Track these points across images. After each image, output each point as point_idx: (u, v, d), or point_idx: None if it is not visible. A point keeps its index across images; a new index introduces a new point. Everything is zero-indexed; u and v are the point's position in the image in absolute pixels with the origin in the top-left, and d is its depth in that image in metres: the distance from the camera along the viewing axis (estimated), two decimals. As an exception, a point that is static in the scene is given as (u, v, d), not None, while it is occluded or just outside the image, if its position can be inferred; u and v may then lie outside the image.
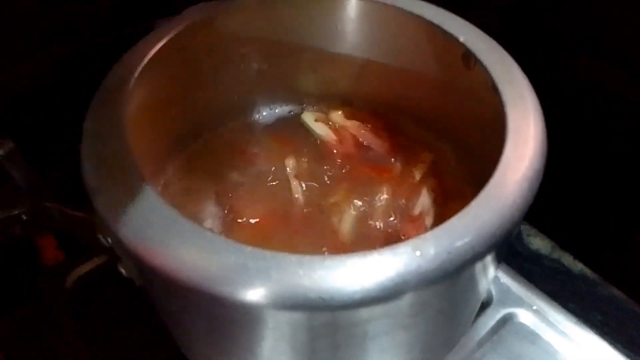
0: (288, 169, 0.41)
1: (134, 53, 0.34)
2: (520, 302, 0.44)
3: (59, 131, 0.33)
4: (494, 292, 0.44)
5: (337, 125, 0.44)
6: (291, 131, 0.44)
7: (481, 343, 0.42)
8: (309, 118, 0.45)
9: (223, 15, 0.38)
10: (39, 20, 0.38)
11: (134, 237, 0.25)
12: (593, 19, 0.42)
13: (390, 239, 0.36)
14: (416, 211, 0.37)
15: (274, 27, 0.40)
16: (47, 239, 0.44)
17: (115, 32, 0.43)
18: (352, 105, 0.45)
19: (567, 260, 0.51)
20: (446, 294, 0.27)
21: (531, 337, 0.42)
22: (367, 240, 0.36)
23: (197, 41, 0.38)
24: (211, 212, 0.39)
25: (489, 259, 0.26)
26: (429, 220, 0.37)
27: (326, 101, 0.45)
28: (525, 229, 0.52)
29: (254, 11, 0.39)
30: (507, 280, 0.45)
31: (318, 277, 0.23)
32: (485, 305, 0.43)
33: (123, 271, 0.29)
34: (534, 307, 0.44)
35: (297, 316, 0.24)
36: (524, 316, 0.43)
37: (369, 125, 0.43)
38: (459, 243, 0.24)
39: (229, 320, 0.27)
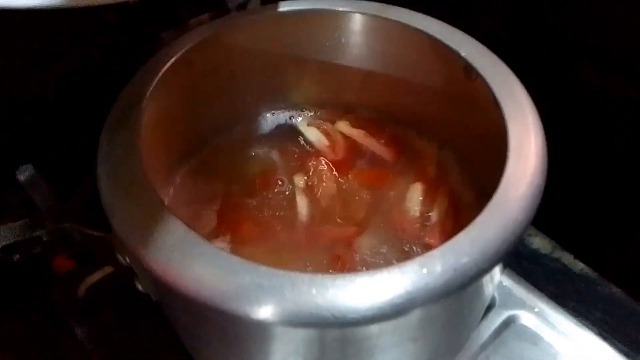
0: (298, 184, 0.42)
1: (144, 72, 0.34)
2: (522, 305, 0.45)
3: (76, 150, 0.34)
4: (496, 295, 0.45)
5: (342, 132, 0.45)
6: (291, 140, 0.45)
7: (484, 346, 0.43)
8: (301, 123, 0.45)
9: (230, 31, 0.39)
10: (44, 38, 0.38)
11: (152, 257, 0.26)
12: (595, 21, 0.42)
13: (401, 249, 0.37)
14: (433, 219, 0.38)
15: (279, 41, 0.41)
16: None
17: (122, 44, 0.43)
18: (353, 114, 0.46)
19: (568, 259, 0.51)
20: (453, 306, 0.28)
21: (533, 339, 0.43)
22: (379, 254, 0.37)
23: (205, 57, 0.38)
24: (215, 224, 0.39)
25: (494, 271, 0.27)
26: (440, 228, 0.38)
27: (329, 111, 0.46)
28: (525, 228, 0.52)
29: (259, 26, 0.40)
30: (509, 283, 0.46)
31: (330, 295, 0.24)
32: (488, 308, 0.44)
33: (140, 287, 0.30)
34: (536, 310, 0.45)
35: (310, 332, 0.25)
36: (526, 318, 0.44)
37: (374, 134, 0.44)
38: (464, 260, 0.25)
39: (242, 335, 0.28)
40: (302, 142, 0.45)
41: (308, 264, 0.36)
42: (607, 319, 0.46)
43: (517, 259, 0.50)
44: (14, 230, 0.29)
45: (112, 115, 0.32)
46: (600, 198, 0.50)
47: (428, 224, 0.38)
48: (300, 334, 0.26)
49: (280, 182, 0.42)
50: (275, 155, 0.44)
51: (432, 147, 0.43)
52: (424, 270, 0.25)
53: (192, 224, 0.38)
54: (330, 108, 0.46)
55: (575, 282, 0.50)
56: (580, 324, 0.44)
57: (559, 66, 0.47)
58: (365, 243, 0.38)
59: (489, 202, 0.27)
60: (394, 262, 0.36)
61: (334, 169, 0.43)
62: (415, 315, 0.25)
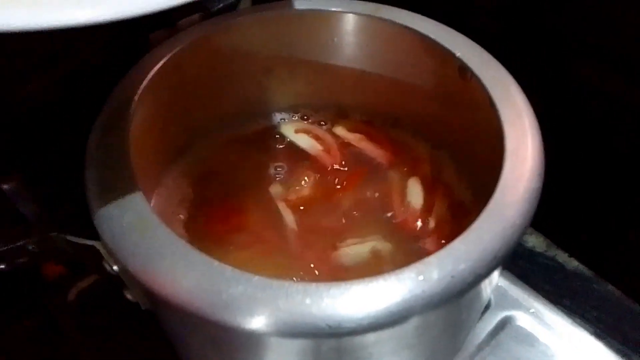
0: (273, 193, 0.41)
1: (132, 75, 0.34)
2: (518, 305, 0.45)
3: (63, 158, 0.33)
4: (492, 296, 0.45)
5: (339, 135, 0.44)
6: (282, 143, 0.44)
7: (480, 347, 0.42)
8: (288, 130, 0.44)
9: (220, 32, 0.38)
10: (29, 45, 0.37)
11: (141, 267, 0.25)
12: (594, 20, 0.42)
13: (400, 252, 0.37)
14: (431, 223, 0.38)
15: (270, 43, 0.41)
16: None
17: (111, 48, 0.43)
18: (348, 117, 0.45)
19: (562, 257, 0.52)
20: (451, 312, 0.27)
21: (529, 340, 0.43)
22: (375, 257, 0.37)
23: (195, 59, 0.38)
24: (202, 229, 0.39)
25: (492, 275, 0.27)
26: (438, 233, 0.38)
27: (322, 113, 0.46)
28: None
29: (250, 27, 0.39)
30: (505, 283, 0.46)
31: (325, 305, 0.23)
32: (484, 309, 0.44)
33: (129, 296, 0.30)
34: (532, 310, 0.44)
35: (304, 343, 0.25)
36: (522, 319, 0.44)
37: (369, 137, 0.44)
38: (462, 266, 0.24)
39: (235, 346, 0.27)
40: (294, 145, 0.44)
41: (299, 269, 0.36)
42: (602, 317, 0.47)
43: (512, 258, 0.50)
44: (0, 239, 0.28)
45: (100, 120, 0.31)
46: (595, 196, 0.50)
47: (427, 228, 0.38)
48: (295, 344, 0.25)
49: (269, 186, 0.41)
50: (265, 158, 0.43)
51: (426, 149, 0.42)
52: (421, 278, 0.24)
53: (180, 230, 0.37)
54: (324, 110, 0.45)
55: (570, 280, 0.50)
56: (576, 324, 0.44)
57: (556, 66, 0.46)
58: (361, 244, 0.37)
59: (486, 206, 0.26)
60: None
61: (327, 173, 0.42)
62: (412, 323, 0.25)
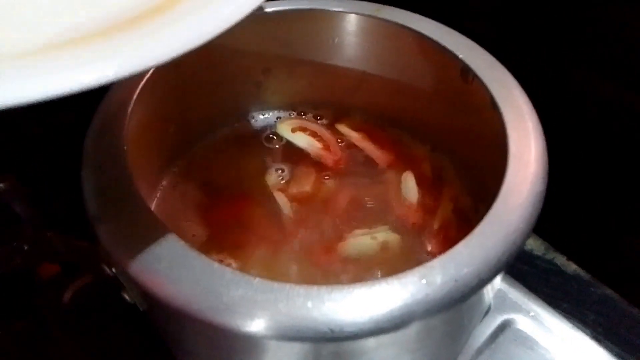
0: (272, 189, 0.40)
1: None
2: (517, 309, 0.44)
3: (58, 157, 0.33)
4: (491, 300, 0.45)
5: (341, 132, 0.44)
6: (281, 142, 0.44)
7: (480, 350, 0.42)
8: (284, 129, 0.44)
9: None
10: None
11: (139, 268, 0.25)
12: (592, 24, 0.42)
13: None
14: (435, 226, 0.38)
15: (271, 41, 0.40)
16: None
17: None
18: (348, 117, 0.45)
19: (561, 260, 0.52)
20: (453, 317, 0.27)
21: (529, 343, 0.43)
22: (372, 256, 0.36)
23: (194, 57, 0.37)
24: (200, 227, 0.38)
25: (495, 280, 0.27)
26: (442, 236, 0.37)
27: (322, 114, 0.45)
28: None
29: (250, 26, 0.38)
30: (504, 286, 0.46)
31: (327, 308, 0.23)
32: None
33: (127, 298, 0.29)
34: (532, 314, 0.44)
35: (305, 346, 0.25)
36: (521, 323, 0.44)
37: (370, 137, 0.43)
38: (465, 270, 0.24)
39: (234, 349, 0.27)
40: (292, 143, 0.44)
41: (302, 268, 0.36)
42: (600, 321, 0.46)
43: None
44: (-6, 240, 0.28)
45: (97, 119, 0.31)
46: (594, 199, 0.50)
47: (431, 228, 0.38)
48: (296, 348, 0.25)
49: (269, 183, 0.41)
50: (264, 157, 0.43)
51: (427, 151, 0.42)
52: (424, 282, 0.24)
53: (179, 231, 0.37)
54: (324, 110, 0.45)
55: (568, 283, 0.50)
56: (575, 327, 0.44)
57: (553, 69, 0.46)
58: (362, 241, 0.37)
59: (490, 211, 0.26)
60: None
61: (327, 169, 0.42)
62: (414, 327, 0.24)
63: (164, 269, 0.25)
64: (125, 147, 0.29)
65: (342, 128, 0.44)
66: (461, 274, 0.24)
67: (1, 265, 0.28)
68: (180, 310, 0.24)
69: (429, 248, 0.36)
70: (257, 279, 0.24)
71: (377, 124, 0.44)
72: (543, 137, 0.30)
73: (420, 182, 0.40)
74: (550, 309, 0.45)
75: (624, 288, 0.49)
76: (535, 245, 0.53)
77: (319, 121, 0.45)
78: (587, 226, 0.51)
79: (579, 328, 0.44)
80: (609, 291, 0.49)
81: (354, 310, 0.23)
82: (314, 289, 0.23)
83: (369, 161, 0.42)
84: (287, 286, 0.24)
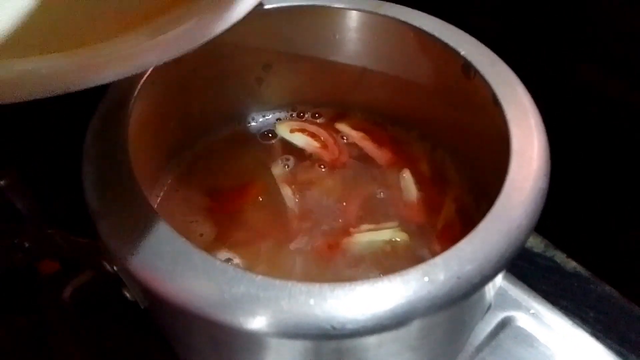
0: (275, 174, 0.41)
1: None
2: (518, 306, 0.44)
3: (60, 152, 0.33)
4: (492, 297, 0.44)
5: (341, 134, 0.44)
6: (281, 140, 0.44)
7: (480, 348, 0.42)
8: (283, 130, 0.44)
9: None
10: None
11: (140, 265, 0.25)
12: (595, 22, 0.42)
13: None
14: (439, 225, 0.38)
15: (272, 37, 0.40)
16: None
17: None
18: (349, 115, 0.45)
19: (560, 258, 0.51)
20: (455, 314, 0.27)
21: (529, 340, 0.43)
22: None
23: (195, 53, 0.37)
24: (206, 225, 0.38)
25: (497, 277, 0.27)
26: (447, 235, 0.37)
27: (321, 109, 0.45)
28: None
29: (250, 22, 0.38)
30: (505, 284, 0.46)
31: (329, 306, 0.23)
32: (483, 309, 0.44)
33: (127, 295, 0.29)
34: (532, 311, 0.44)
35: (307, 344, 0.24)
36: (521, 320, 0.44)
37: (370, 135, 0.43)
38: (468, 268, 0.24)
39: (236, 346, 0.27)
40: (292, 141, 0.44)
41: (307, 265, 0.36)
42: (600, 318, 0.47)
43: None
44: (-5, 236, 0.28)
45: (98, 115, 0.31)
46: (594, 197, 0.50)
47: (435, 226, 0.38)
48: (297, 345, 0.25)
49: (269, 183, 0.41)
50: (265, 155, 0.43)
51: (428, 148, 0.42)
52: (426, 279, 0.24)
53: (181, 228, 0.37)
54: (324, 107, 0.45)
55: (568, 280, 0.50)
56: (575, 324, 0.44)
57: (555, 66, 0.46)
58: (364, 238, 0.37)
59: (492, 208, 0.26)
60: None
61: (327, 167, 0.42)
62: (416, 324, 0.24)
63: (165, 266, 0.24)
64: (126, 144, 0.29)
65: (342, 127, 0.44)
66: (464, 271, 0.24)
67: (2, 261, 0.28)
68: (181, 308, 0.24)
69: (433, 247, 0.36)
70: (260, 276, 0.24)
71: (377, 121, 0.44)
72: (545, 134, 0.30)
73: (421, 180, 0.40)
74: (550, 306, 0.45)
75: (624, 285, 0.49)
76: (535, 243, 0.53)
77: (317, 119, 0.45)
78: (586, 224, 0.51)
79: (578, 325, 0.44)
80: (608, 288, 0.49)
81: (356, 308, 0.23)
82: (316, 287, 0.23)
83: (369, 160, 0.42)
84: (290, 283, 0.23)
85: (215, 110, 0.43)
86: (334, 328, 0.23)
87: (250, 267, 0.34)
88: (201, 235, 0.37)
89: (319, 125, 0.45)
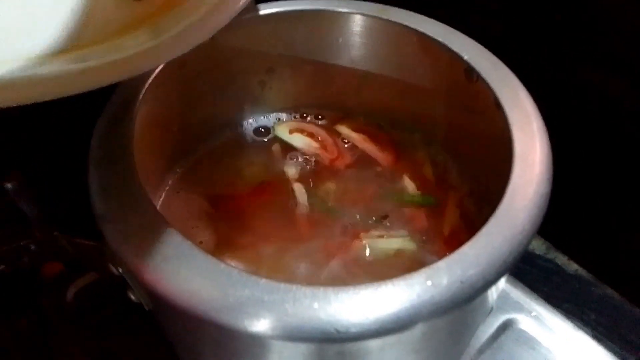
0: (290, 174, 0.41)
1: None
2: (519, 308, 0.45)
3: (65, 155, 0.33)
4: (495, 300, 0.45)
5: (341, 136, 0.44)
6: (283, 142, 0.44)
7: (482, 350, 0.42)
8: (282, 131, 0.44)
9: (224, 31, 0.37)
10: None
11: (146, 268, 0.25)
12: (596, 23, 0.42)
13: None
14: (445, 232, 0.38)
15: (275, 41, 0.40)
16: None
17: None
18: (350, 118, 0.45)
19: (562, 260, 0.52)
20: (458, 318, 0.27)
21: (531, 343, 0.43)
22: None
23: (199, 58, 0.37)
24: (210, 227, 0.39)
25: (500, 280, 0.27)
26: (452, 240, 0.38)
27: (324, 112, 0.45)
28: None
29: (254, 27, 0.39)
30: (506, 286, 0.46)
31: (333, 309, 0.23)
32: (484, 312, 0.44)
33: (132, 297, 0.29)
34: (533, 314, 0.44)
35: (311, 347, 0.25)
36: (523, 322, 0.44)
37: (372, 138, 0.43)
38: (471, 272, 0.24)
39: (240, 349, 0.27)
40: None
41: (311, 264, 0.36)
42: (601, 320, 0.47)
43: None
44: (0, 239, 0.28)
45: (103, 118, 0.31)
46: (595, 200, 0.50)
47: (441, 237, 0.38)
48: (301, 348, 0.25)
49: (274, 185, 0.41)
50: (269, 157, 0.43)
51: (431, 151, 0.42)
52: (429, 283, 0.24)
53: (184, 230, 0.37)
54: (326, 110, 0.45)
55: (569, 283, 0.50)
56: (576, 327, 0.44)
57: (557, 68, 0.46)
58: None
59: (495, 212, 0.26)
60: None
61: (330, 167, 0.42)
62: (420, 328, 0.25)
63: (170, 269, 0.25)
64: (131, 147, 0.29)
65: (343, 129, 0.44)
66: (467, 276, 0.24)
67: (8, 264, 0.28)
68: (186, 310, 0.24)
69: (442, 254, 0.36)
70: (264, 280, 0.24)
71: (380, 125, 0.44)
72: (548, 138, 0.30)
73: (423, 184, 0.41)
74: (552, 309, 0.45)
75: (625, 288, 0.49)
76: (536, 245, 0.53)
77: (319, 121, 0.45)
78: (588, 226, 0.51)
79: (580, 327, 0.44)
80: (609, 291, 0.49)
81: (360, 311, 0.23)
82: (320, 290, 0.24)
83: (370, 162, 0.43)
84: (294, 287, 0.24)
85: (218, 113, 0.43)
86: (337, 331, 0.23)
87: (255, 271, 0.34)
88: (200, 242, 0.37)
89: (319, 126, 0.45)
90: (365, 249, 0.37)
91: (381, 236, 0.37)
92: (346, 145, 0.44)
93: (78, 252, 0.29)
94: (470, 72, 0.35)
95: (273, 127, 0.45)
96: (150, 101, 0.33)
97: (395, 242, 0.37)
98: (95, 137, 0.30)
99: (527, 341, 0.43)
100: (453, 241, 0.37)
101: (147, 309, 0.30)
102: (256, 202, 0.40)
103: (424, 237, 0.37)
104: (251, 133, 0.45)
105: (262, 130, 0.45)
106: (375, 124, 0.45)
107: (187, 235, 0.35)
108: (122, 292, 0.30)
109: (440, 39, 0.35)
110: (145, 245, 0.26)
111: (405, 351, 0.27)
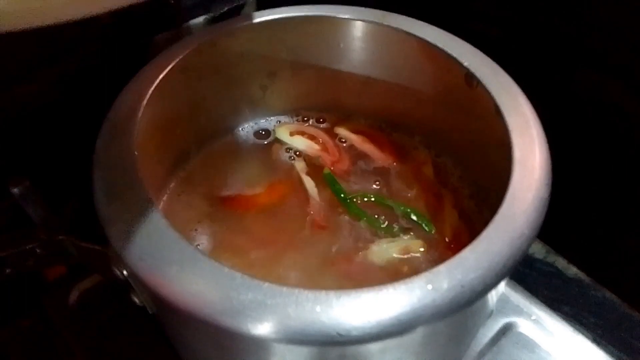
0: (300, 168, 0.42)
1: (140, 79, 0.34)
2: (519, 312, 0.45)
3: (70, 160, 0.33)
4: (494, 304, 0.45)
5: (340, 137, 0.45)
6: (285, 145, 0.44)
7: (482, 353, 0.42)
8: (282, 133, 0.45)
9: (226, 36, 0.38)
10: (35, 45, 0.37)
11: (150, 272, 0.25)
12: (595, 28, 0.42)
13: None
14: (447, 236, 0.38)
15: (278, 46, 0.41)
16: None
17: (116, 49, 0.42)
18: (350, 120, 0.45)
19: (562, 264, 0.52)
20: (458, 321, 0.27)
21: (530, 346, 0.43)
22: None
23: (202, 62, 0.38)
24: (212, 229, 0.39)
25: (500, 284, 0.27)
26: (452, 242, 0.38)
27: (326, 116, 0.46)
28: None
29: (256, 32, 0.39)
30: (507, 290, 0.46)
31: (335, 313, 0.23)
32: (485, 316, 0.44)
33: (136, 300, 0.30)
34: (533, 317, 0.45)
35: (313, 350, 0.25)
36: (523, 326, 0.44)
37: (372, 140, 0.44)
38: (471, 276, 0.25)
39: (242, 352, 0.27)
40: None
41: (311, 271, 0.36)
42: (600, 323, 0.47)
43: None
44: (6, 243, 0.28)
45: (107, 123, 0.31)
46: (595, 203, 0.50)
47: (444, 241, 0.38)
48: (303, 351, 0.25)
49: (277, 186, 0.41)
50: (270, 159, 0.43)
51: (430, 155, 0.43)
52: (430, 287, 0.24)
53: (186, 233, 0.37)
54: (327, 114, 0.46)
55: (569, 286, 0.50)
56: (576, 330, 0.44)
57: (555, 73, 0.47)
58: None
59: (495, 217, 0.27)
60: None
61: (333, 168, 0.43)
62: (420, 331, 0.25)
63: (174, 273, 0.25)
64: (135, 152, 0.30)
65: (341, 130, 0.45)
66: (467, 280, 0.24)
67: (14, 267, 0.28)
68: (189, 313, 0.24)
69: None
70: (267, 283, 0.24)
71: (380, 128, 0.45)
72: (547, 144, 0.30)
73: (424, 184, 0.41)
74: (551, 312, 0.45)
75: (624, 291, 0.49)
76: (536, 249, 0.53)
77: (321, 124, 0.46)
78: (587, 230, 0.51)
79: (579, 331, 0.45)
80: (609, 294, 0.49)
81: (362, 315, 0.24)
82: (322, 294, 0.24)
83: (370, 163, 0.43)
84: (296, 290, 0.24)
85: (220, 117, 0.43)
86: (339, 335, 0.23)
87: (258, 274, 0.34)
88: (198, 245, 0.37)
89: (320, 129, 0.45)
90: (373, 254, 0.37)
91: (391, 241, 0.37)
92: (344, 145, 0.44)
93: (83, 256, 0.29)
94: (470, 78, 0.35)
95: (274, 129, 0.45)
96: (153, 106, 0.33)
97: (402, 246, 0.37)
98: (100, 142, 0.30)
99: (527, 344, 0.43)
100: (457, 244, 0.37)
101: (150, 312, 0.30)
102: (257, 204, 0.40)
103: (429, 241, 0.38)
104: (252, 136, 0.45)
105: (263, 132, 0.45)
106: (377, 127, 0.45)
107: (189, 237, 0.36)
108: (125, 295, 0.31)
109: (440, 45, 0.36)
110: (150, 248, 0.26)
111: (406, 354, 0.28)
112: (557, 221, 0.50)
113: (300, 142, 0.44)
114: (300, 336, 0.23)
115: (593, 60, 0.43)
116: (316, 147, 0.44)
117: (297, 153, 0.43)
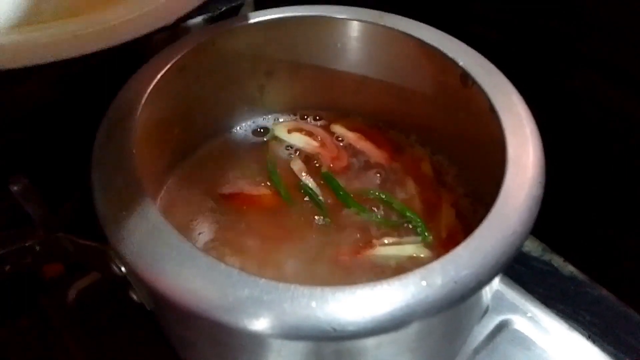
0: (295, 170, 0.42)
1: (138, 78, 0.34)
2: (515, 309, 0.45)
3: (69, 158, 0.33)
4: (489, 301, 0.45)
5: (336, 135, 0.45)
6: (282, 143, 0.45)
7: (477, 351, 0.43)
8: (281, 130, 0.45)
9: (224, 36, 0.38)
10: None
11: (148, 268, 0.26)
12: (593, 30, 0.42)
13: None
14: (442, 235, 0.38)
15: (275, 46, 0.41)
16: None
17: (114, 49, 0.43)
18: (347, 118, 0.46)
19: (558, 262, 0.52)
20: (452, 317, 0.28)
21: (526, 343, 0.43)
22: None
23: (199, 62, 0.38)
24: (210, 226, 0.39)
25: (493, 281, 0.27)
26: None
27: (323, 114, 0.46)
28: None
29: (254, 32, 0.39)
30: (502, 287, 0.46)
31: (330, 308, 0.24)
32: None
33: (134, 297, 0.30)
34: (529, 314, 0.45)
35: (308, 345, 0.25)
36: (518, 323, 0.44)
37: (368, 138, 0.44)
38: (465, 272, 0.25)
39: (239, 347, 0.28)
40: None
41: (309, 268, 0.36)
42: (596, 322, 0.47)
43: (508, 262, 0.50)
44: (5, 240, 0.28)
45: (106, 122, 0.32)
46: (591, 201, 0.50)
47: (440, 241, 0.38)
48: (299, 346, 0.25)
49: (274, 185, 0.41)
50: (267, 158, 0.43)
51: (427, 153, 0.43)
52: (424, 283, 0.25)
53: (184, 230, 0.38)
54: (325, 113, 0.46)
55: (564, 284, 0.50)
56: (571, 328, 0.45)
57: (553, 75, 0.47)
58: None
59: (488, 214, 0.27)
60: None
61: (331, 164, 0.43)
62: (414, 327, 0.25)
63: (172, 269, 0.25)
64: (133, 150, 0.30)
65: (337, 128, 0.45)
66: (461, 276, 0.25)
67: (13, 265, 0.28)
68: (186, 310, 0.25)
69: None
70: (263, 280, 0.24)
71: (377, 126, 0.45)
72: (541, 142, 0.31)
73: (421, 181, 0.41)
74: (547, 310, 0.45)
75: (620, 289, 0.49)
76: (532, 247, 0.53)
77: (318, 121, 0.46)
78: (583, 228, 0.52)
79: (575, 328, 0.45)
80: (605, 292, 0.49)
81: (357, 310, 0.24)
82: (318, 290, 0.24)
83: (367, 160, 0.43)
84: (292, 286, 0.24)
85: (218, 115, 0.43)
86: (334, 330, 0.24)
87: (258, 270, 0.35)
88: (196, 242, 0.38)
89: (316, 126, 0.45)
90: (378, 256, 0.37)
91: (396, 243, 0.38)
92: (341, 144, 0.44)
93: (81, 253, 0.29)
94: (465, 78, 0.35)
95: (272, 127, 0.45)
96: (151, 104, 0.33)
97: (407, 249, 0.37)
98: (98, 140, 0.31)
99: (523, 342, 0.43)
100: (451, 242, 0.37)
101: (148, 308, 0.31)
102: (256, 203, 0.41)
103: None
104: (250, 134, 0.45)
105: (261, 130, 0.45)
106: (373, 125, 0.45)
107: (187, 234, 0.36)
108: (124, 293, 0.31)
109: (436, 45, 0.36)
110: (147, 245, 0.26)
111: (401, 350, 0.28)
112: (553, 219, 0.50)
113: (298, 139, 0.44)
114: (296, 331, 0.24)
115: (593, 61, 0.44)
116: (314, 143, 0.44)
117: (296, 150, 0.44)
